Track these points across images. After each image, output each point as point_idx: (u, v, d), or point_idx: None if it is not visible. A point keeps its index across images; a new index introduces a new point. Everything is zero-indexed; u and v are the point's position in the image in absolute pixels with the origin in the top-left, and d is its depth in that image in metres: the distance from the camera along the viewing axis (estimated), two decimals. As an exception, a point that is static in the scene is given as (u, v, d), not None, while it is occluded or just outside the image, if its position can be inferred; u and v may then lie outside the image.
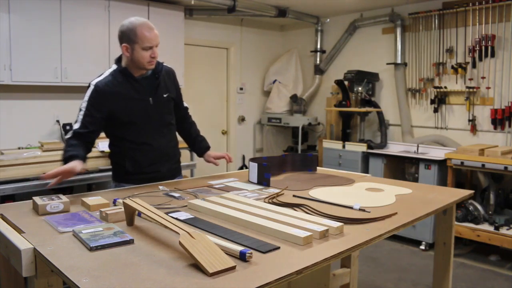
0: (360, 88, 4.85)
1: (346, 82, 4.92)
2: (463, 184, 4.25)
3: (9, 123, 3.84)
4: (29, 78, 3.69)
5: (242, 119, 5.91)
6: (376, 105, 4.92)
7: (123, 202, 1.55)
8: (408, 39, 4.85)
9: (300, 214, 1.62)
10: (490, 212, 3.92)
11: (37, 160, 3.30)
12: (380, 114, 4.92)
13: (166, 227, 1.34)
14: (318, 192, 2.09)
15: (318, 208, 1.75)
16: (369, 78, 4.93)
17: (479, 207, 3.91)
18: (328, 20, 5.67)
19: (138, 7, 4.30)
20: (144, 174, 2.28)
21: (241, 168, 5.78)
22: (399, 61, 4.84)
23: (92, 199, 1.78)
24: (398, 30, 4.84)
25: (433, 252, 2.49)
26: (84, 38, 3.96)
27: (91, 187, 3.63)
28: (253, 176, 2.31)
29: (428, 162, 4.12)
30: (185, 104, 2.57)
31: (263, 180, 2.25)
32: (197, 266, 1.16)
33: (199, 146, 2.58)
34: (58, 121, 4.09)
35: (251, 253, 1.22)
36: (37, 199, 1.70)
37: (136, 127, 2.24)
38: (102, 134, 2.30)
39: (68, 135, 2.13)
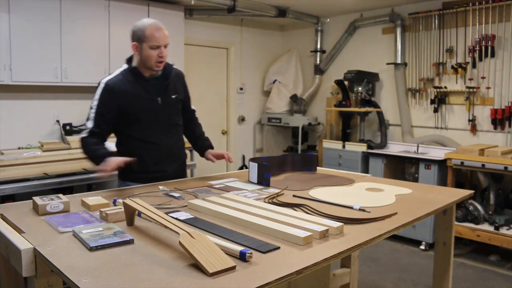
0: (360, 88, 4.85)
1: (346, 82, 4.92)
2: (463, 184, 4.24)
3: (9, 123, 3.84)
4: (29, 78, 3.69)
5: (242, 119, 5.91)
6: (376, 105, 4.92)
7: (123, 202, 1.55)
8: (408, 39, 4.84)
9: (300, 214, 1.62)
10: (490, 212, 3.92)
11: (37, 160, 3.31)
12: (380, 114, 4.92)
13: (166, 227, 1.34)
14: (318, 192, 2.09)
15: (318, 208, 1.75)
16: (369, 78, 4.93)
17: (479, 207, 3.91)
18: (328, 20, 5.67)
19: (138, 7, 4.30)
20: (149, 173, 2.29)
21: (241, 168, 5.78)
22: (399, 61, 4.84)
23: (92, 199, 1.78)
24: (398, 30, 4.84)
25: (433, 252, 2.49)
26: (84, 38, 3.96)
27: (91, 187, 3.63)
28: (253, 176, 2.31)
29: (428, 162, 4.12)
30: (193, 107, 2.60)
31: (263, 180, 2.25)
32: (197, 266, 1.16)
33: (202, 145, 2.59)
34: (58, 121, 4.09)
35: (251, 253, 1.22)
36: (37, 199, 1.70)
37: (144, 126, 2.26)
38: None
39: (84, 134, 2.18)
